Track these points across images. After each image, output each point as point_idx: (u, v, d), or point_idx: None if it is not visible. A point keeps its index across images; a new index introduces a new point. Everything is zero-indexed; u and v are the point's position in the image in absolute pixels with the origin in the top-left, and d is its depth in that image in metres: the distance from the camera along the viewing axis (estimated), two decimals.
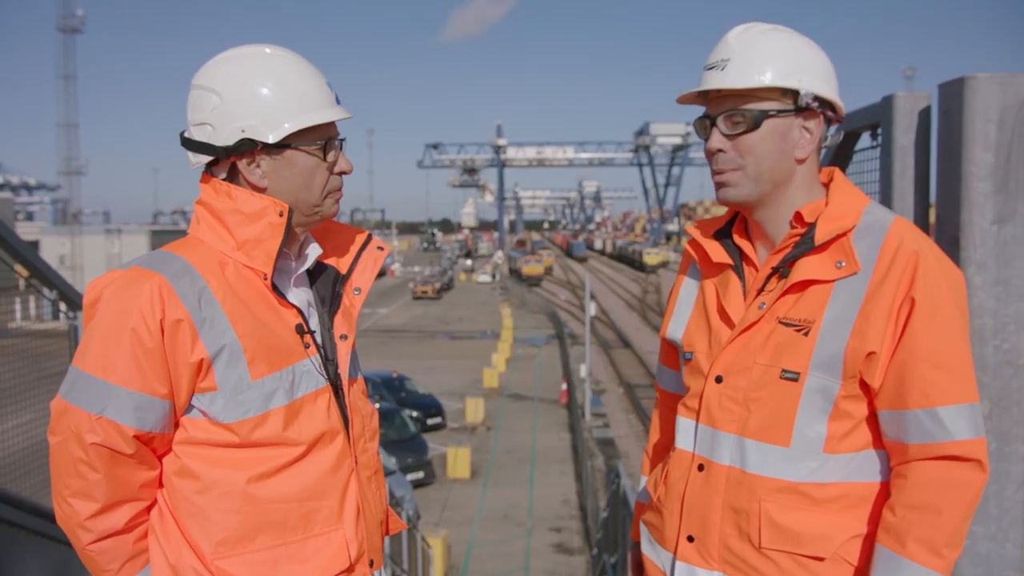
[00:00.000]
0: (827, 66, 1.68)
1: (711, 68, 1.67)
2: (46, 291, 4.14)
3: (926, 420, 1.52)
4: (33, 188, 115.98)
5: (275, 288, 1.68)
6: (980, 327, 2.06)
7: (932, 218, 2.33)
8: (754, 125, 1.63)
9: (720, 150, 1.68)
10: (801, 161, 1.67)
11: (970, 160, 2.05)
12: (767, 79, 1.62)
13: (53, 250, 52.04)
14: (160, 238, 51.41)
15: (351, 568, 1.71)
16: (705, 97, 1.71)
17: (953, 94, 2.10)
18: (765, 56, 1.63)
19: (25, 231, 57.02)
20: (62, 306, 4.25)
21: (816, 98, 1.63)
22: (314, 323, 1.76)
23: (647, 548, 1.89)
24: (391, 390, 23.73)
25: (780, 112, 1.63)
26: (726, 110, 1.66)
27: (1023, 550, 2.09)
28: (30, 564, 3.79)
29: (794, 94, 1.62)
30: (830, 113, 1.67)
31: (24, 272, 4.02)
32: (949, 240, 2.13)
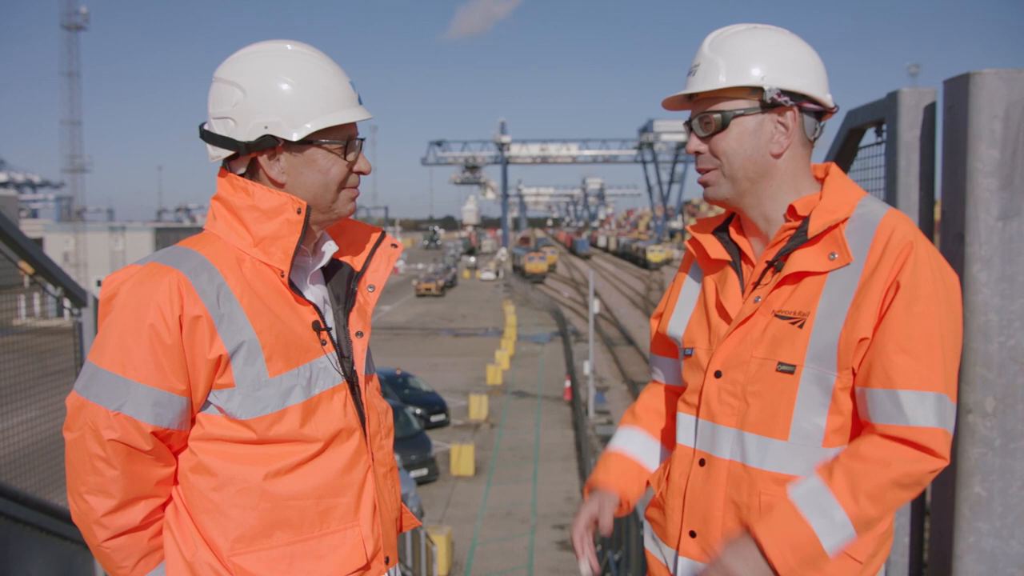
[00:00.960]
0: (801, 60, 1.67)
1: (689, 74, 1.73)
2: (51, 288, 4.15)
3: (885, 400, 1.53)
4: (37, 185, 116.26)
5: (292, 285, 1.68)
6: (985, 324, 2.05)
7: (937, 214, 2.32)
8: (722, 125, 1.67)
9: (698, 152, 1.72)
10: (777, 156, 1.68)
11: (975, 156, 2.04)
12: (724, 80, 1.65)
13: (57, 247, 52.11)
14: (164, 235, 51.47)
15: (367, 566, 1.70)
16: (691, 101, 1.74)
17: (958, 90, 2.09)
18: (728, 57, 1.66)
19: (29, 228, 57.14)
20: (66, 303, 4.26)
21: (785, 92, 1.64)
22: (330, 320, 1.75)
23: (650, 544, 1.89)
24: (395, 387, 23.76)
25: (747, 111, 1.65)
26: (699, 113, 1.71)
27: None
28: (35, 560, 3.80)
29: (761, 91, 1.64)
30: (809, 106, 1.67)
31: (29, 269, 4.03)
32: (954, 236, 2.12)
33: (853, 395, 1.61)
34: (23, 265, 3.97)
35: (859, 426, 1.63)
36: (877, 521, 1.55)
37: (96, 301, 4.33)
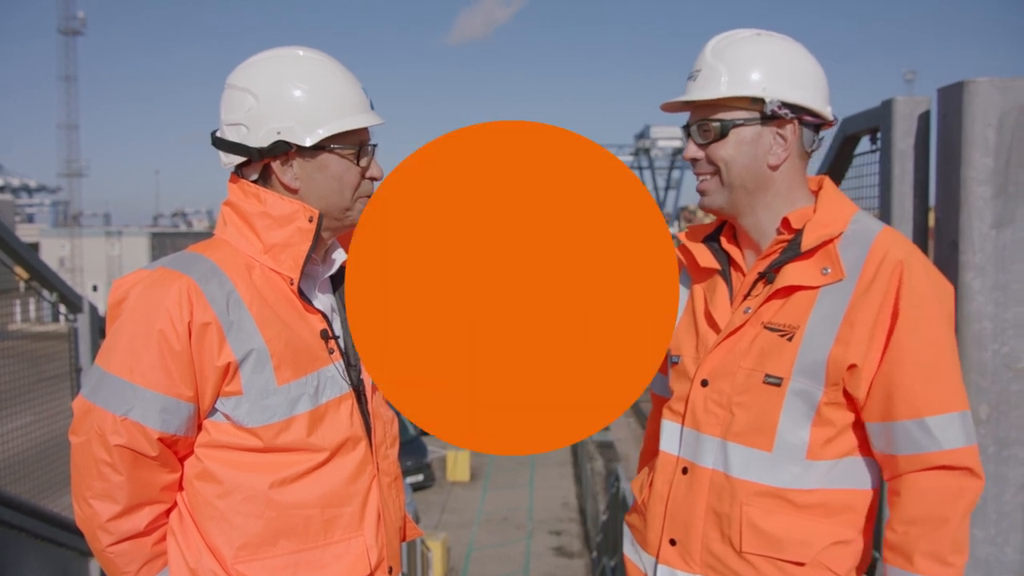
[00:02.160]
0: (804, 71, 1.67)
1: (689, 78, 1.71)
2: (46, 293, 4.15)
3: (915, 430, 1.53)
4: (33, 190, 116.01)
5: (301, 293, 1.68)
6: (979, 331, 2.06)
7: (931, 222, 2.33)
8: (720, 135, 1.66)
9: (695, 158, 1.72)
10: (774, 167, 1.67)
11: (969, 164, 2.05)
12: (724, 90, 1.64)
13: (53, 252, 51.94)
14: (160, 240, 51.46)
15: (371, 575, 1.70)
16: (691, 104, 1.73)
17: (952, 98, 2.10)
18: (731, 66, 1.65)
19: (25, 233, 56.98)
20: (62, 308, 4.25)
21: (786, 104, 1.63)
22: (337, 328, 1.75)
23: (629, 550, 1.88)
24: None
25: (747, 121, 1.64)
26: (698, 120, 1.69)
27: (1022, 554, 2.09)
28: (29, 565, 3.79)
29: (762, 102, 1.63)
30: (809, 118, 1.67)
31: (24, 274, 4.02)
32: (948, 244, 2.13)
33: (857, 417, 1.61)
34: (18, 270, 3.97)
35: (861, 450, 1.63)
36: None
37: (92, 306, 4.33)
